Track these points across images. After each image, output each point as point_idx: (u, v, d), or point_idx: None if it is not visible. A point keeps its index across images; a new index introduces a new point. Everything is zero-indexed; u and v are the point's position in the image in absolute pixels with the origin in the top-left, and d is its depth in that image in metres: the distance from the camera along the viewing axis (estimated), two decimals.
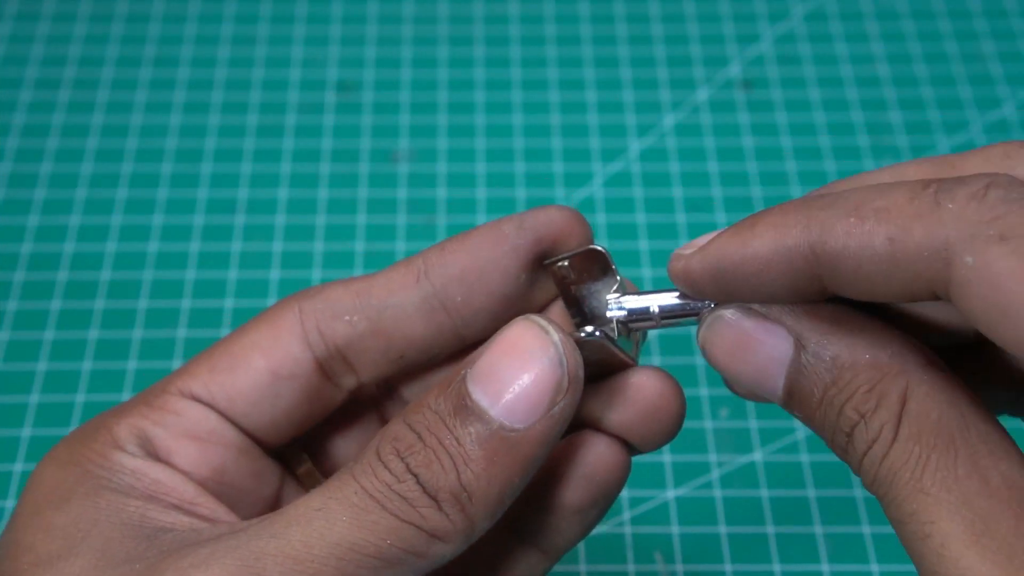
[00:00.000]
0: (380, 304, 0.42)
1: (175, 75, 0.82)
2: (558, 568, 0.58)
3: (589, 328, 0.38)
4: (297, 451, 0.45)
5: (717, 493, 0.62)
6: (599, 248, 0.40)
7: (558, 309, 0.42)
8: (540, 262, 0.42)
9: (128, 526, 0.38)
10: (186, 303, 0.70)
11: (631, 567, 0.59)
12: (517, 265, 0.41)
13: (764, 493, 0.62)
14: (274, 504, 0.43)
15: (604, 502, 0.41)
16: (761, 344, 0.35)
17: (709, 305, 0.38)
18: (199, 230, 0.73)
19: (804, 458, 0.63)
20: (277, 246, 0.73)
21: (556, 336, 0.37)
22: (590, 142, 0.78)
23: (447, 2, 0.86)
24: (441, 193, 0.76)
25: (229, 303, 0.70)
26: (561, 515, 0.40)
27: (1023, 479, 0.32)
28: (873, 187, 0.34)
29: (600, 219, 0.73)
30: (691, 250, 0.37)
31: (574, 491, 0.40)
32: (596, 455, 0.40)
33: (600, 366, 0.39)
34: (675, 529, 0.60)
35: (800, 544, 0.60)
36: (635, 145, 0.78)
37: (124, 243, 0.73)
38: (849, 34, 0.84)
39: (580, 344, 0.38)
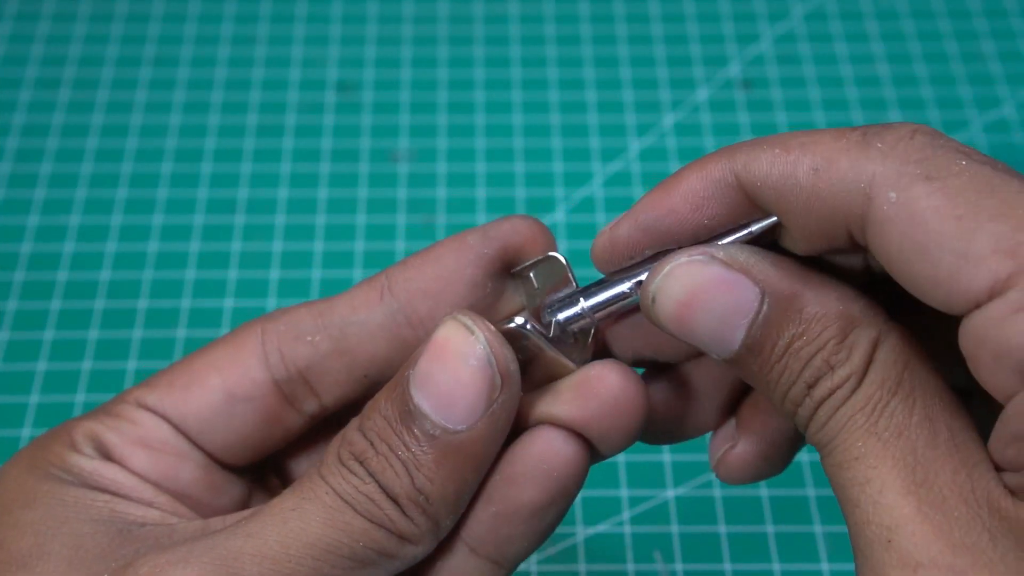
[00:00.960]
0: (343, 322, 0.41)
1: (175, 75, 0.82)
2: (557, 567, 0.59)
3: (519, 319, 0.38)
4: (267, 474, 0.45)
5: (717, 492, 0.62)
6: (556, 256, 0.40)
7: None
8: (506, 272, 0.41)
9: (98, 522, 0.38)
10: (186, 303, 0.70)
11: (630, 566, 0.59)
12: (482, 274, 0.41)
13: (764, 492, 0.61)
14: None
15: (562, 504, 0.39)
16: (725, 293, 0.35)
17: (638, 282, 0.37)
18: (199, 230, 0.73)
19: (804, 457, 0.63)
20: (277, 246, 0.73)
21: (482, 335, 0.36)
22: (590, 142, 0.78)
23: (447, 2, 0.86)
24: (441, 193, 0.75)
25: (229, 303, 0.70)
26: (517, 519, 0.39)
27: (967, 438, 0.33)
28: (799, 132, 0.34)
29: (600, 219, 0.73)
30: (611, 224, 0.37)
31: (531, 491, 0.38)
32: (553, 450, 0.38)
33: (543, 366, 0.39)
34: (675, 528, 0.60)
35: (800, 543, 0.60)
36: (635, 145, 0.78)
37: (124, 243, 0.73)
38: (849, 34, 0.84)
39: (511, 338, 0.38)
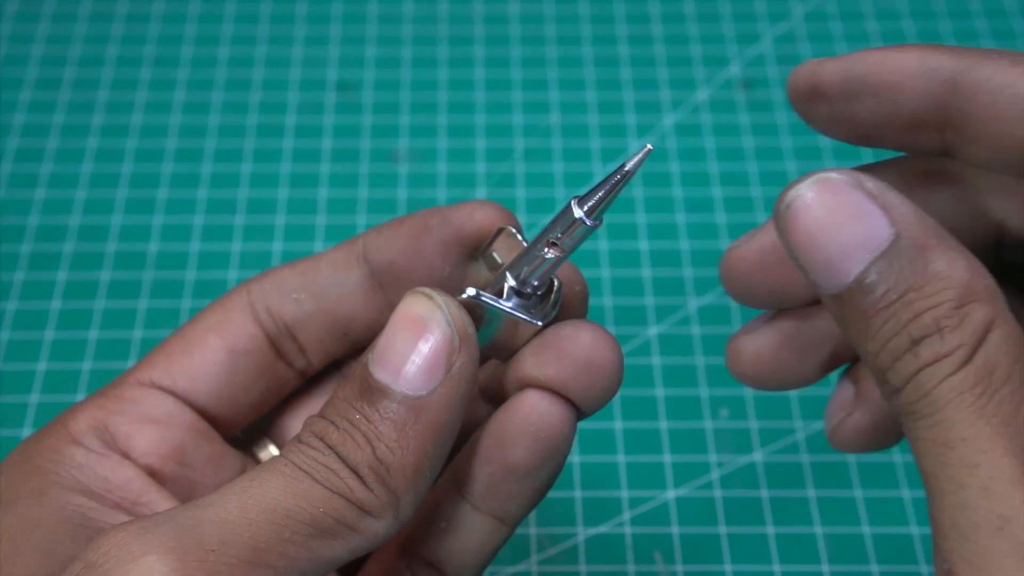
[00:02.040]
0: (325, 282, 0.43)
1: (175, 75, 0.81)
2: (558, 568, 0.59)
3: (470, 291, 0.39)
4: (261, 437, 0.46)
5: (717, 493, 0.61)
6: (507, 228, 0.41)
7: None
8: (469, 255, 0.42)
9: (71, 524, 0.38)
10: (186, 303, 0.69)
11: (631, 567, 0.59)
12: (441, 260, 0.42)
13: (764, 494, 0.61)
14: None
15: (552, 462, 0.40)
16: (859, 223, 0.33)
17: (552, 243, 0.38)
18: (199, 230, 0.72)
19: (804, 458, 0.62)
20: (277, 246, 0.72)
21: (440, 298, 0.37)
22: (590, 142, 0.77)
23: (447, 2, 0.85)
24: (441, 193, 0.74)
25: None
26: (511, 478, 0.40)
27: None
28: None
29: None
30: (818, 61, 0.38)
31: (521, 451, 0.39)
32: (538, 412, 0.39)
33: (512, 330, 0.40)
34: (675, 529, 0.60)
35: (800, 544, 0.60)
36: (635, 146, 0.77)
37: (124, 243, 0.72)
38: (849, 34, 0.82)
39: (469, 310, 0.38)
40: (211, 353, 0.42)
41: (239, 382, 0.43)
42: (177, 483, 0.41)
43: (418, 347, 0.37)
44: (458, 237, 0.41)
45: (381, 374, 0.37)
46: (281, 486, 0.36)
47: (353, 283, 0.43)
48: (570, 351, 0.39)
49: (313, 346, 0.44)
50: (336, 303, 0.43)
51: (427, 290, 0.38)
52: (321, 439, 0.37)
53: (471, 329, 0.38)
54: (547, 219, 0.39)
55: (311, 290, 0.43)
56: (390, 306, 0.41)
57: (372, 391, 0.37)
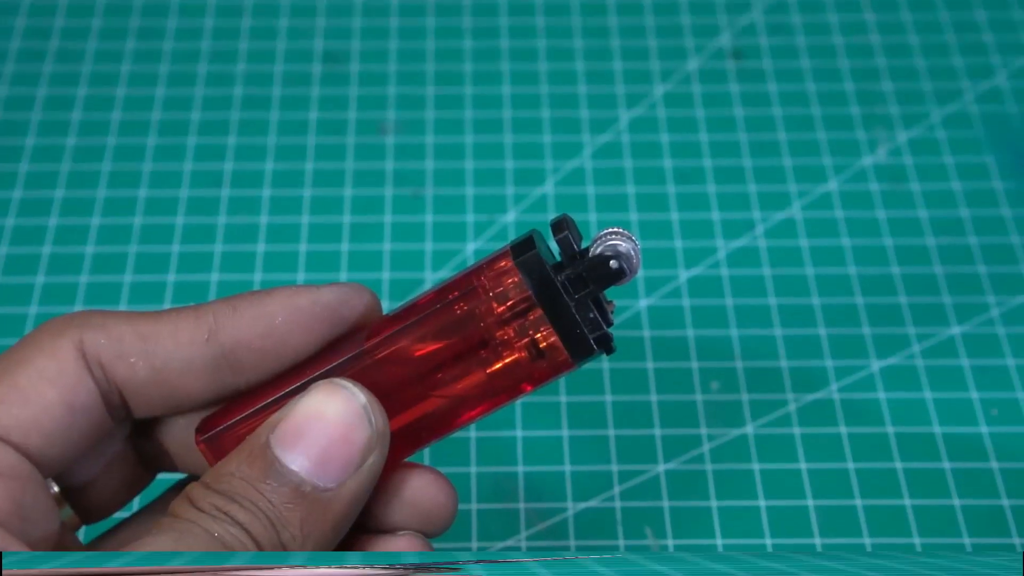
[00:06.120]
0: (166, 355, 0.41)
1: (160, 47, 0.80)
2: (548, 543, 0.59)
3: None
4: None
5: (708, 467, 0.61)
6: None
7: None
8: (334, 339, 0.42)
9: None
10: (171, 278, 0.68)
11: (621, 542, 0.58)
12: (311, 342, 0.41)
13: (755, 467, 0.61)
14: (59, 540, 0.41)
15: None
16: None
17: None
18: (184, 203, 0.71)
19: (796, 431, 0.62)
20: (263, 219, 0.71)
21: (363, 397, 0.38)
22: (579, 113, 0.76)
23: None
24: (429, 165, 0.74)
25: (215, 277, 0.68)
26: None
27: None
28: None
29: (589, 191, 0.72)
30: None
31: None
32: (406, 545, 0.42)
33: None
34: (666, 503, 0.59)
35: (792, 517, 0.59)
36: (624, 116, 0.76)
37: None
38: (840, 2, 0.82)
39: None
40: (49, 407, 0.40)
41: (74, 439, 0.40)
42: (17, 537, 0.39)
43: (333, 440, 0.38)
44: (330, 323, 0.41)
45: (290, 459, 0.37)
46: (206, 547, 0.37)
47: (199, 363, 0.41)
48: (415, 503, 0.42)
49: (140, 409, 0.42)
50: (176, 378, 0.41)
51: (347, 384, 0.39)
52: (226, 514, 0.37)
53: (387, 428, 0.39)
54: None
55: (150, 360, 0.41)
56: (237, 386, 0.42)
57: (278, 475, 0.37)
